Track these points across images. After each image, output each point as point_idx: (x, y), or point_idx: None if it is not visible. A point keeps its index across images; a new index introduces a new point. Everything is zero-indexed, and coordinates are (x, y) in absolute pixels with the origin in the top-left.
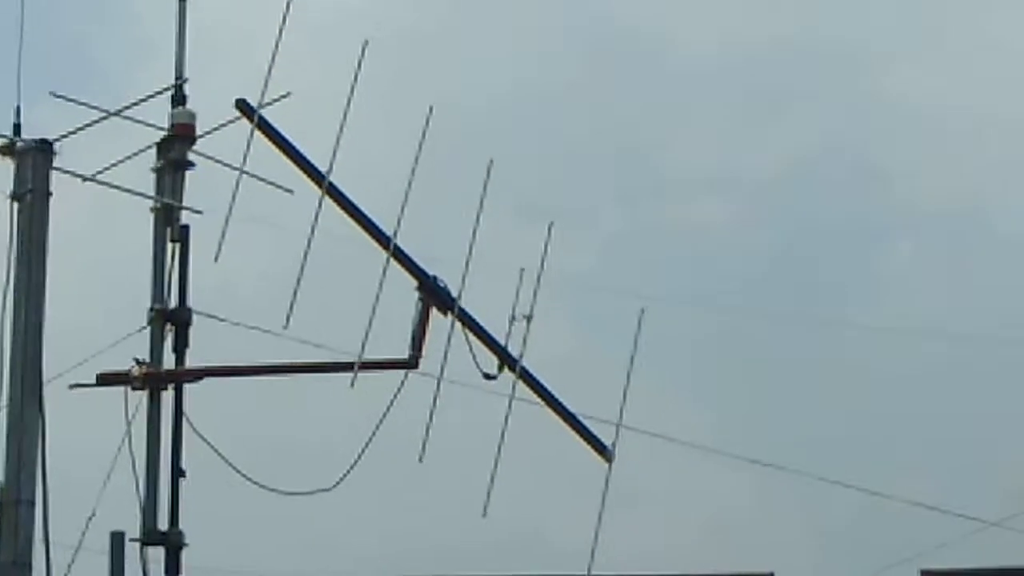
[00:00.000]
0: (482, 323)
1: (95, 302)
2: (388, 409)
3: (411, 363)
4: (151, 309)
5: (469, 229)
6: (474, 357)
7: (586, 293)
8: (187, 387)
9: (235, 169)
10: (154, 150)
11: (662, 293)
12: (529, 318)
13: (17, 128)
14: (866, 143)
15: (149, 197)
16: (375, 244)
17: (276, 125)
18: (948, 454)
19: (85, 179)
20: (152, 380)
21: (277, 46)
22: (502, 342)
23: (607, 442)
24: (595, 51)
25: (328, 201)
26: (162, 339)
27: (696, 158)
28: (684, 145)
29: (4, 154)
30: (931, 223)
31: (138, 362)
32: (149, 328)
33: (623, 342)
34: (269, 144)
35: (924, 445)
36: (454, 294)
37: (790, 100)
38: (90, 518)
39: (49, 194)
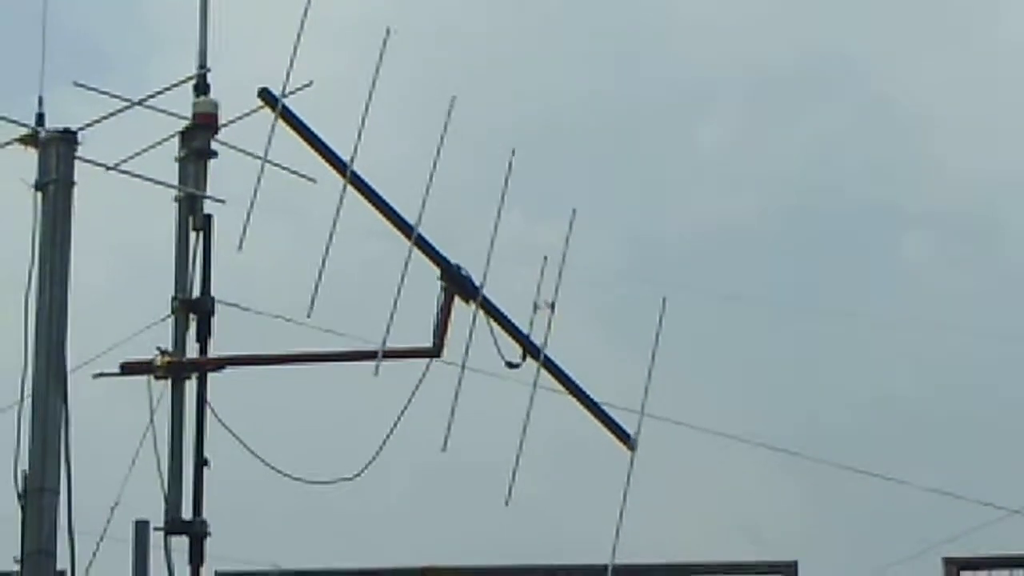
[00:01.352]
0: (505, 312)
1: (119, 292)
2: (411, 398)
3: (434, 352)
4: (174, 298)
5: (491, 217)
6: (497, 346)
7: (608, 283)
8: (210, 376)
9: (258, 158)
10: (177, 139)
11: (683, 284)
12: (552, 306)
13: (40, 118)
14: (881, 140)
15: (172, 187)
16: (398, 233)
17: (299, 114)
18: (969, 442)
19: (109, 168)
20: (175, 369)
21: (300, 35)
22: (525, 331)
23: (630, 431)
24: (618, 48)
25: (351, 190)
26: (185, 328)
27: (714, 153)
28: (703, 139)
29: (27, 144)
30: (948, 220)
31: (161, 351)
32: (172, 317)
33: (645, 332)
34: (292, 133)
35: (945, 433)
36: (477, 283)
37: (809, 98)
38: (114, 507)
39: (73, 184)
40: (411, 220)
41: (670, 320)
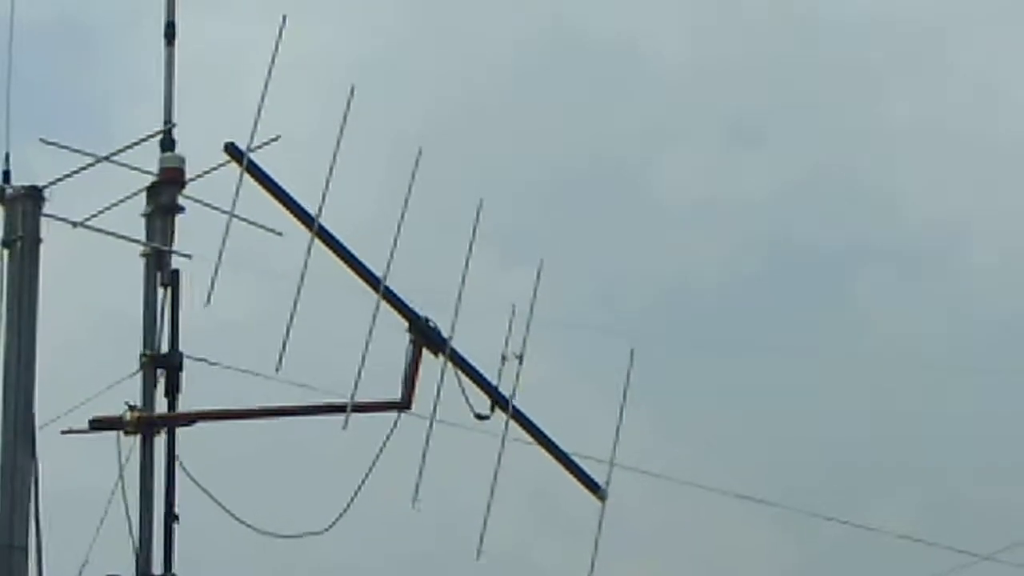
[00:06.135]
0: (474, 363)
1: (87, 348)
2: (380, 451)
3: (403, 404)
4: (142, 354)
5: (459, 269)
6: (466, 397)
7: (575, 331)
8: (180, 431)
9: (224, 213)
10: (144, 195)
11: (647, 326)
12: (521, 357)
13: (6, 175)
14: (853, 168)
15: (139, 242)
16: (365, 286)
17: (266, 168)
18: (936, 486)
19: (75, 225)
20: (144, 425)
21: (266, 89)
22: (494, 382)
23: (600, 481)
24: (590, 98)
25: (318, 243)
26: (154, 384)
27: (683, 184)
28: (670, 171)
29: None
30: (914, 250)
31: (130, 407)
32: (141, 373)
33: (613, 380)
34: (258, 187)
35: (910, 477)
36: (445, 335)
37: (776, 123)
38: (84, 564)
39: (39, 240)
40: (379, 273)
41: (637, 365)
